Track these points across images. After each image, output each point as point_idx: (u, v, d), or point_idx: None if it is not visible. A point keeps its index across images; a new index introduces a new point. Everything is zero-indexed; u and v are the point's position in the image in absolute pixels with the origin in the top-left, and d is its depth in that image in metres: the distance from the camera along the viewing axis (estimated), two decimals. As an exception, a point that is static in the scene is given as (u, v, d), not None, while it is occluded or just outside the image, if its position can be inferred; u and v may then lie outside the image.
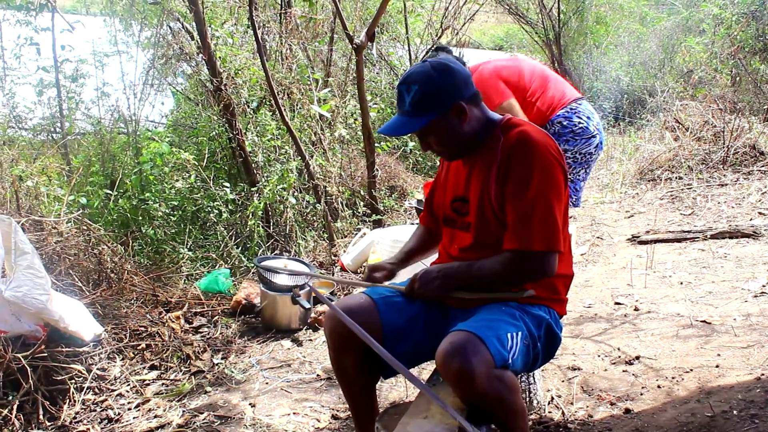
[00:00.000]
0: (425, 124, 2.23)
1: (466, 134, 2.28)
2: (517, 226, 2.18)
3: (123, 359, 3.75)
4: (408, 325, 2.37)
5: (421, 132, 2.30)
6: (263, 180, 5.80)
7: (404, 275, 2.77)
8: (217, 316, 4.55)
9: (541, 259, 2.17)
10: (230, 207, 5.72)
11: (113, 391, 3.49)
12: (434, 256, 2.69)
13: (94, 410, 3.34)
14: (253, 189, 5.78)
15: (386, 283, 2.54)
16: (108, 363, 3.66)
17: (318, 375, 3.77)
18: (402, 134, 2.35)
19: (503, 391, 1.99)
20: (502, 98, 3.81)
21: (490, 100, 3.73)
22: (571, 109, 3.87)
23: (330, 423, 3.21)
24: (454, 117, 2.24)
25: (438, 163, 2.75)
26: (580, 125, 3.85)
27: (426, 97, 2.20)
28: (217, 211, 5.58)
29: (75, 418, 3.25)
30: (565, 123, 3.83)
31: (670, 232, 5.94)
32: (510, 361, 2.05)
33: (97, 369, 3.55)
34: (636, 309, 4.30)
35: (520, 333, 2.14)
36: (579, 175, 4.04)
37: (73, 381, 3.40)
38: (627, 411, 3.02)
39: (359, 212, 6.51)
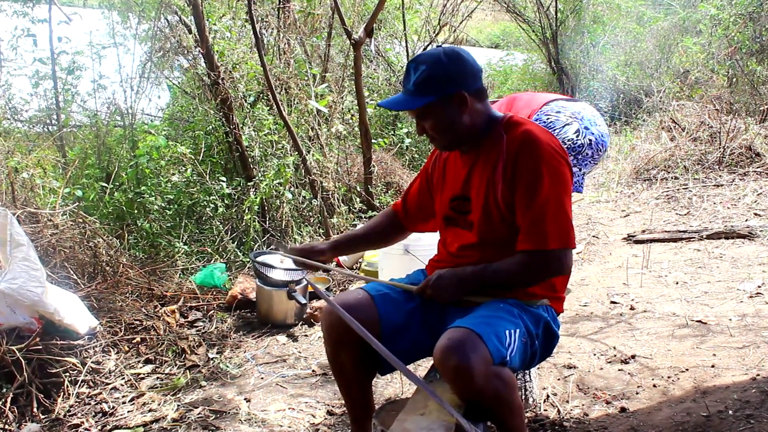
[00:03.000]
0: (424, 104, 2.22)
1: (463, 126, 2.27)
2: (531, 227, 2.17)
3: (118, 353, 3.74)
4: (406, 321, 2.36)
5: (419, 113, 2.29)
6: (260, 175, 5.79)
7: (401, 270, 2.76)
8: (212, 311, 4.54)
9: (557, 257, 2.17)
10: (226, 201, 5.70)
11: (108, 384, 3.48)
12: (433, 252, 2.67)
13: (89, 404, 3.33)
14: (249, 184, 5.77)
15: (394, 282, 2.52)
16: (103, 356, 3.65)
17: (313, 371, 3.77)
18: (399, 109, 2.34)
19: (501, 389, 1.99)
20: None
21: None
22: (540, 110, 4.11)
23: (325, 419, 3.21)
24: (454, 105, 2.23)
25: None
26: (550, 119, 4.06)
27: (430, 79, 2.19)
28: (213, 206, 5.57)
29: (69, 411, 3.24)
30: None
31: (665, 231, 5.95)
32: (508, 358, 2.05)
33: (92, 362, 3.54)
34: (632, 308, 4.30)
35: (518, 330, 2.13)
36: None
37: (67, 374, 3.39)
38: (622, 410, 3.03)
39: (355, 208, 6.51)
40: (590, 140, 4.09)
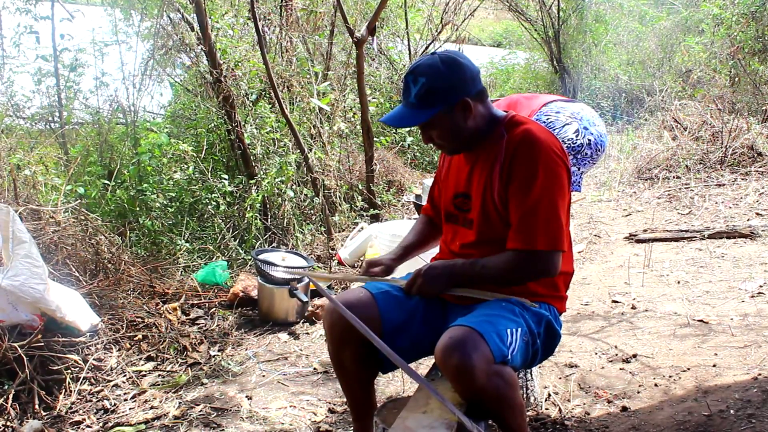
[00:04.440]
0: (429, 118, 2.21)
1: (469, 130, 2.26)
2: (521, 226, 2.17)
3: (119, 350, 3.74)
4: (407, 319, 2.36)
5: (424, 125, 2.28)
6: (261, 172, 5.79)
7: (403, 269, 2.77)
8: (214, 308, 4.54)
9: (545, 258, 2.17)
10: (228, 199, 5.70)
11: (109, 381, 3.49)
12: (434, 251, 2.68)
13: (90, 401, 3.33)
14: (251, 181, 5.77)
15: (387, 278, 2.53)
16: (104, 353, 3.65)
17: (315, 368, 3.77)
18: (405, 126, 2.33)
19: (502, 387, 1.99)
20: None
21: None
22: (540, 113, 4.13)
23: (327, 417, 3.21)
24: (458, 112, 2.22)
25: (438, 159, 2.75)
26: (550, 119, 4.07)
27: (432, 91, 2.18)
28: (214, 203, 5.57)
29: (71, 408, 3.24)
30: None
31: (667, 231, 5.95)
32: (509, 357, 2.05)
33: (94, 359, 3.54)
34: (633, 307, 4.30)
35: (519, 329, 2.13)
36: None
37: (69, 371, 3.39)
38: (624, 409, 3.02)
39: (357, 206, 6.51)
40: (589, 140, 4.11)
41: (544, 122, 4.05)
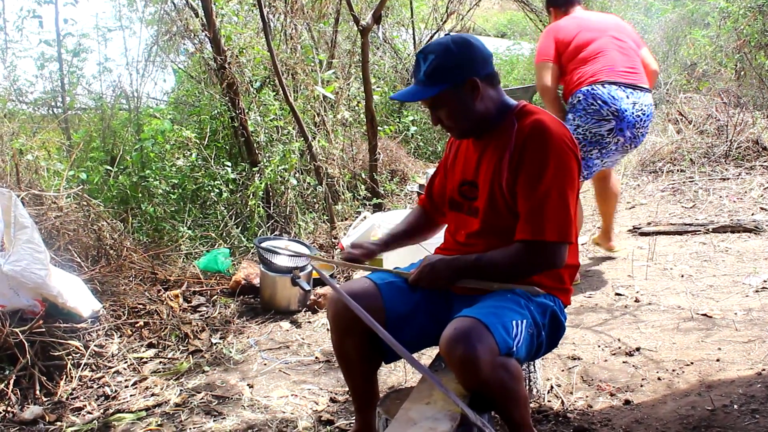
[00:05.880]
0: (437, 93, 2.21)
1: (477, 112, 2.25)
2: (530, 216, 2.15)
3: (121, 336, 3.73)
4: (411, 310, 2.35)
5: (432, 102, 2.28)
6: (265, 160, 5.77)
7: (407, 258, 2.75)
8: (216, 296, 4.53)
9: (552, 249, 2.16)
10: (231, 186, 5.69)
11: (110, 368, 3.48)
12: (438, 240, 2.66)
13: (91, 387, 3.33)
14: (254, 169, 5.75)
15: (392, 269, 2.52)
16: (105, 340, 3.65)
17: (316, 357, 3.76)
18: (412, 100, 2.33)
19: (507, 379, 1.98)
20: (538, 59, 4.27)
21: (537, 54, 4.35)
22: (592, 88, 4.07)
23: (328, 406, 3.20)
24: (467, 92, 2.22)
25: (442, 149, 2.73)
26: (593, 106, 4.04)
27: (441, 68, 2.18)
28: (217, 190, 5.55)
29: (71, 394, 3.24)
30: (581, 98, 4.08)
31: (671, 224, 5.92)
32: (514, 349, 2.03)
33: (95, 345, 3.54)
34: (636, 300, 4.28)
35: (525, 321, 2.12)
36: (591, 154, 4.23)
37: (70, 357, 3.39)
38: (627, 402, 3.01)
39: (360, 195, 6.50)
40: (618, 140, 4.12)
41: (590, 103, 4.02)
